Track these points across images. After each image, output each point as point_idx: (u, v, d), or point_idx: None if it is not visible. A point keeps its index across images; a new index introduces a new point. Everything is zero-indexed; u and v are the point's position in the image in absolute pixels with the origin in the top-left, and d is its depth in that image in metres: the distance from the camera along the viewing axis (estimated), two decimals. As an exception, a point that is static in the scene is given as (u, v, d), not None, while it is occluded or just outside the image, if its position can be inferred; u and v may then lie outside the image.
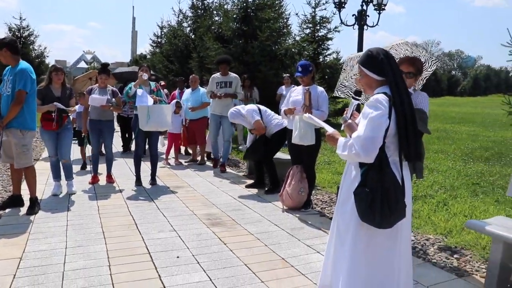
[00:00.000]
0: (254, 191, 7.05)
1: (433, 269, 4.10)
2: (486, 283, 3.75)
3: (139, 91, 7.03)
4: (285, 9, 15.25)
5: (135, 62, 46.61)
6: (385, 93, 2.76)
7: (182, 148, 10.68)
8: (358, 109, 3.74)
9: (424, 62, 4.38)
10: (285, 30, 15.00)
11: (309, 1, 16.65)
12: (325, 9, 19.79)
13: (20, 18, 29.91)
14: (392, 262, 2.86)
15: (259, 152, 7.09)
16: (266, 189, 7.05)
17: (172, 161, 9.49)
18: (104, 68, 7.44)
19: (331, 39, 17.08)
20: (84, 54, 71.36)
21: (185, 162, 9.65)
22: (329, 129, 3.08)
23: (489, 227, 3.74)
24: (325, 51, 17.08)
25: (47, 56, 32.62)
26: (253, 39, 13.18)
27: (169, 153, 9.56)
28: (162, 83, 11.91)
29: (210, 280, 3.73)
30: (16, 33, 29.33)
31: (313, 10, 16.71)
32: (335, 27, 16.82)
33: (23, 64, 5.51)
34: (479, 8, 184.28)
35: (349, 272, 2.81)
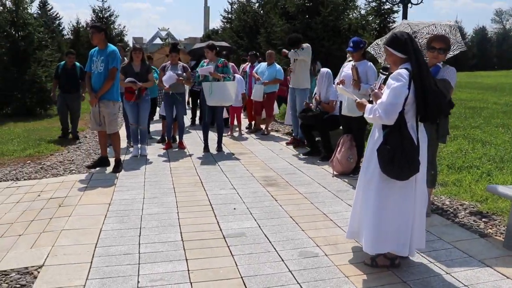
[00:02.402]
0: (311, 158, 7.66)
1: (458, 229, 4.51)
2: (504, 242, 4.07)
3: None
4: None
5: (207, 37, 47.73)
6: (406, 69, 3.35)
7: (244, 120, 11.41)
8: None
9: (452, 45, 4.84)
10: (350, 4, 15.18)
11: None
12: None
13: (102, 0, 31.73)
14: (408, 210, 3.45)
15: (314, 120, 7.64)
16: (321, 156, 7.65)
17: (236, 133, 10.24)
18: (174, 47, 8.35)
19: (396, 12, 16.97)
20: (159, 31, 73.99)
21: (249, 131, 10.45)
22: (358, 98, 3.72)
23: (508, 191, 4.06)
24: (390, 24, 17.03)
25: (126, 35, 34.42)
26: (316, 15, 13.58)
27: (233, 124, 10.32)
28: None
29: (259, 226, 4.49)
30: (99, 14, 31.21)
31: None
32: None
33: (112, 46, 6.51)
34: None
35: (375, 216, 3.44)
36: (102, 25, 7.04)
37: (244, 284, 3.32)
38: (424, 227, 3.64)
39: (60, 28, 37.99)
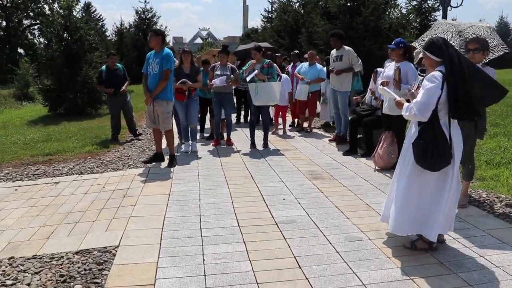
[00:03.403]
0: (353, 155, 7.98)
1: (493, 219, 4.77)
2: None
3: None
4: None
5: (246, 36, 48.28)
6: (440, 71, 3.71)
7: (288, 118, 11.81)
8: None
9: (496, 46, 5.13)
10: (391, 2, 15.34)
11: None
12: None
13: (145, 1, 32.82)
14: (441, 198, 3.81)
15: (367, 114, 7.94)
16: (363, 152, 7.97)
17: (280, 131, 10.64)
18: (224, 49, 8.87)
19: (438, 10, 17.01)
20: (200, 31, 75.34)
21: (293, 129, 10.85)
22: (398, 98, 4.11)
23: None
24: (431, 22, 17.07)
25: (168, 35, 35.46)
26: (357, 15, 13.85)
27: (277, 122, 10.72)
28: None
29: (307, 214, 4.90)
30: (142, 16, 32.28)
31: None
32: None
33: (167, 49, 7.04)
34: None
35: (403, 200, 3.86)
36: (160, 30, 7.57)
37: (297, 262, 3.75)
38: (454, 214, 3.98)
39: (103, 29, 39.25)
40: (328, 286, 3.39)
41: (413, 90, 4.04)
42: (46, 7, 44.55)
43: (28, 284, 3.54)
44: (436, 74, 3.70)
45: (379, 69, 8.13)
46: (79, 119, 13.99)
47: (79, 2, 17.12)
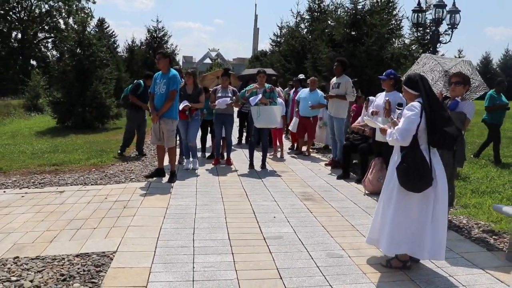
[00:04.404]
0: (346, 179, 8.30)
1: (469, 243, 5.09)
2: (506, 255, 4.66)
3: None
4: (398, 11, 15.96)
5: (255, 58, 48.91)
6: (419, 101, 4.10)
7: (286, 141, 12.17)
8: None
9: (478, 86, 5.54)
10: (397, 32, 15.75)
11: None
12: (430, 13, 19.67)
13: (157, 20, 33.56)
14: (423, 219, 4.11)
15: (365, 141, 8.28)
16: (356, 178, 8.28)
17: (278, 154, 10.95)
18: (226, 72, 9.27)
19: (441, 42, 17.43)
20: (210, 52, 76.16)
21: (291, 152, 11.19)
22: (382, 126, 4.49)
23: (509, 210, 4.67)
24: (435, 54, 17.47)
25: (177, 54, 36.04)
26: (361, 44, 14.28)
27: (276, 145, 11.05)
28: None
29: (294, 232, 5.23)
30: (153, 34, 32.98)
31: (422, 14, 17.18)
32: (445, 31, 17.21)
33: (173, 71, 7.46)
34: None
35: (392, 223, 4.17)
36: (168, 52, 8.00)
37: (279, 274, 4.07)
38: (444, 240, 4.20)
39: (115, 45, 39.65)
40: (305, 296, 3.70)
41: (395, 119, 4.43)
42: (61, 21, 45.51)
43: (31, 281, 3.88)
44: (415, 104, 4.10)
45: (371, 98, 8.49)
46: (86, 133, 14.43)
47: (93, 18, 17.75)
